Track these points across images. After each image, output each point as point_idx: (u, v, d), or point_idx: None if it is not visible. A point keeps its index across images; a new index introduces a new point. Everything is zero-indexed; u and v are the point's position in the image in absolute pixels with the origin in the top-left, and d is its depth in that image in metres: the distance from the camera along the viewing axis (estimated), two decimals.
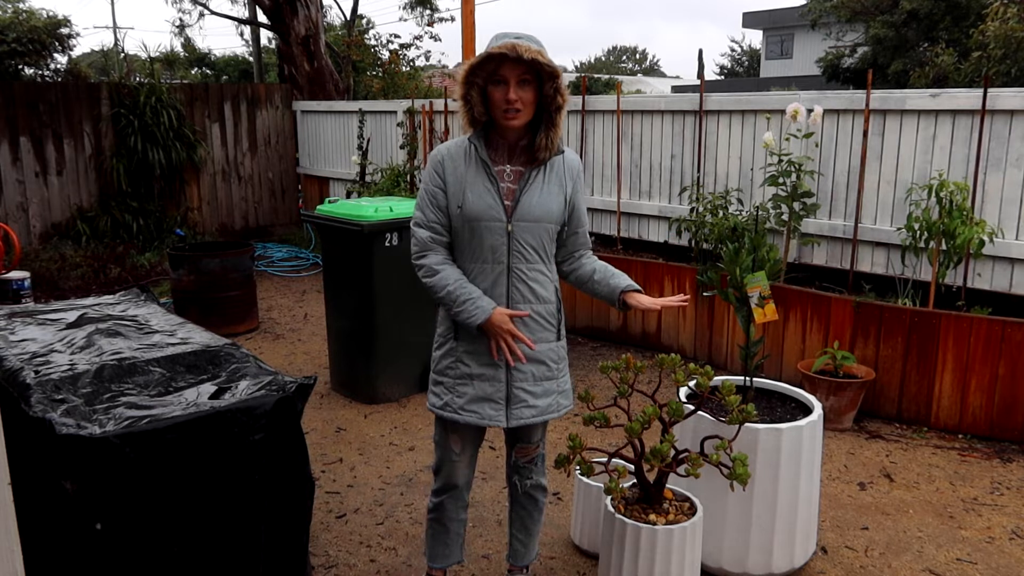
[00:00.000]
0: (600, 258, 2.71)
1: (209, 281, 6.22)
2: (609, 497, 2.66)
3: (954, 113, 4.72)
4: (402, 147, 8.44)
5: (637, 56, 61.02)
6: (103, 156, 8.93)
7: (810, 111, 5.00)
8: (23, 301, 6.05)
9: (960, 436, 4.37)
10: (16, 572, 1.56)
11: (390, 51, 13.97)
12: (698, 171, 5.95)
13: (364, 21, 18.74)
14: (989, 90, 4.55)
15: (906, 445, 4.30)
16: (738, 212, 5.49)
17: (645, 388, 2.84)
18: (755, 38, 46.07)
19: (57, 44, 11.36)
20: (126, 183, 8.95)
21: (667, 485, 2.73)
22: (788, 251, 5.30)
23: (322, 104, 10.13)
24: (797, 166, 5.08)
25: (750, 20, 35.80)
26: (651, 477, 2.69)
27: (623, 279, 2.56)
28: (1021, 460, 4.10)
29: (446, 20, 16.71)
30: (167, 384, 2.59)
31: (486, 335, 2.46)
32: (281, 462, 2.52)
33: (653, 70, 58.64)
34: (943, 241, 4.42)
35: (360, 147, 9.02)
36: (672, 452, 2.56)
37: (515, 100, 2.33)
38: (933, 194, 4.47)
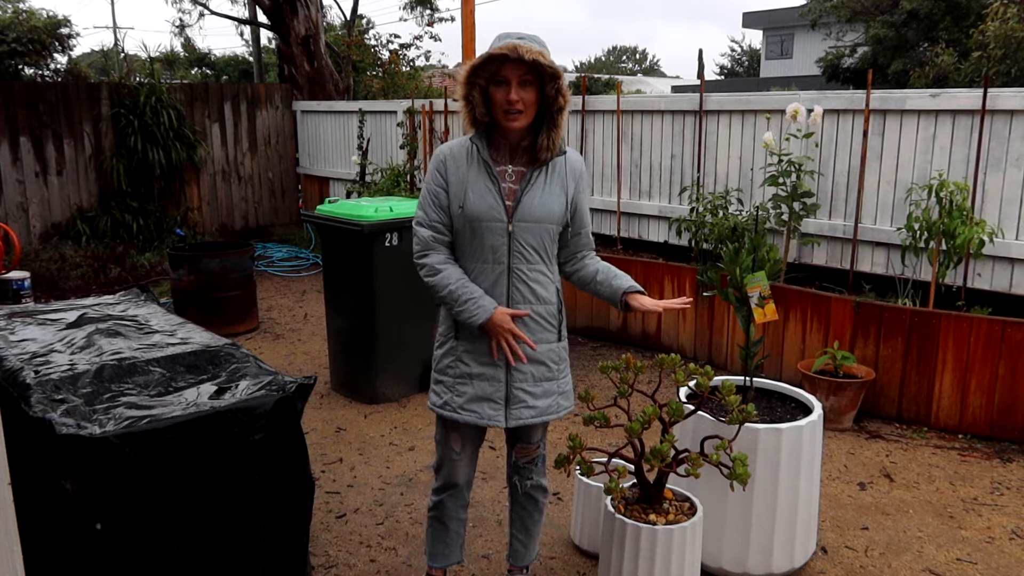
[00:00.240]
0: (600, 258, 2.70)
1: (209, 281, 6.22)
2: (609, 497, 2.66)
3: (954, 113, 4.72)
4: (402, 147, 8.44)
5: (637, 56, 61.02)
6: (103, 156, 8.93)
7: (810, 111, 5.00)
8: (23, 301, 6.05)
9: (960, 436, 4.37)
10: (16, 572, 1.56)
11: (390, 51, 13.98)
12: (698, 171, 5.95)
13: (364, 21, 18.75)
14: (989, 90, 4.55)
15: (906, 445, 4.30)
16: (738, 212, 5.49)
17: (645, 388, 2.84)
18: (755, 38, 46.08)
19: (57, 44, 11.36)
20: (126, 183, 8.95)
21: (667, 485, 2.73)
22: (788, 251, 5.30)
23: (322, 104, 10.13)
24: (797, 166, 5.08)
25: (750, 20, 35.80)
26: (651, 477, 2.69)
27: (625, 280, 2.56)
28: (1021, 460, 4.10)
29: (446, 20, 16.72)
30: (167, 384, 2.59)
31: (487, 335, 2.47)
32: (281, 462, 2.52)
33: (653, 70, 58.65)
34: (943, 241, 4.42)
35: (360, 147, 9.02)
36: (672, 452, 2.56)
37: (516, 101, 2.33)
38: (933, 194, 4.47)
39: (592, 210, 6.65)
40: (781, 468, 2.90)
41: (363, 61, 13.69)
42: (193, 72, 26.23)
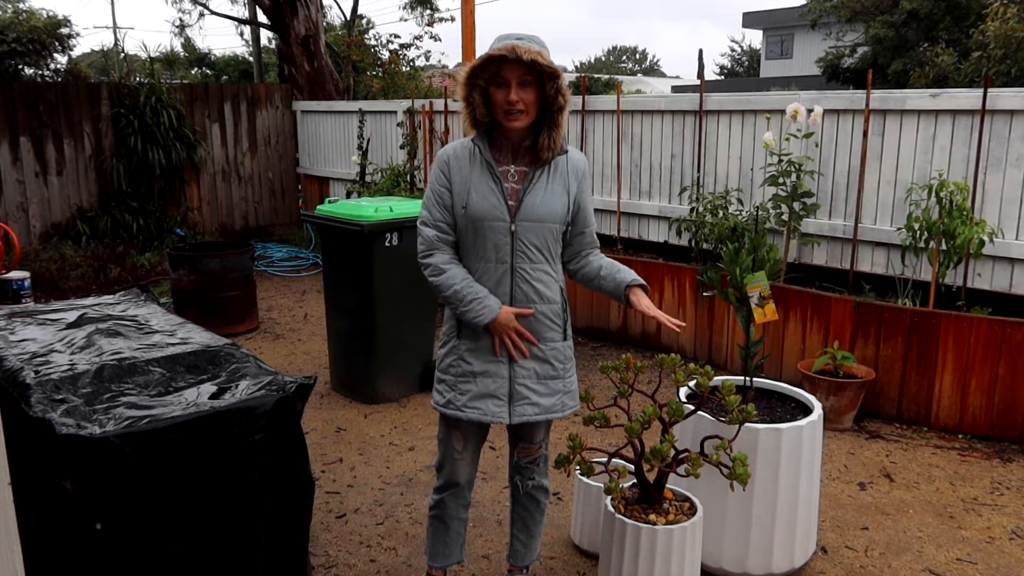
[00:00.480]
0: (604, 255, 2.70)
1: (209, 281, 6.22)
2: (609, 497, 2.66)
3: (954, 113, 4.72)
4: (402, 147, 8.44)
5: (637, 56, 61.02)
6: (103, 156, 8.93)
7: (810, 111, 5.00)
8: (23, 301, 6.05)
9: (960, 436, 4.37)
10: (16, 572, 1.56)
11: (390, 51, 13.98)
12: (698, 171, 5.95)
13: (364, 21, 18.75)
14: (989, 90, 4.55)
15: (906, 445, 4.30)
16: (738, 212, 5.49)
17: (645, 388, 2.84)
18: (755, 38, 46.08)
19: (57, 44, 11.36)
20: (126, 183, 8.95)
21: (667, 485, 2.73)
22: (788, 251, 5.30)
23: (322, 104, 10.13)
24: (797, 166, 5.08)
25: (750, 20, 35.80)
26: (651, 477, 2.69)
27: (629, 274, 2.55)
28: (1021, 460, 4.10)
29: (446, 20, 16.73)
30: (167, 384, 2.59)
31: (491, 334, 2.47)
32: (281, 462, 2.52)
33: (653, 70, 58.64)
34: (943, 241, 4.42)
35: (360, 147, 9.02)
36: (672, 452, 2.56)
37: (516, 101, 2.34)
38: (933, 194, 4.47)
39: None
40: (781, 468, 2.90)
41: (363, 61, 13.69)
42: (193, 72, 26.23)
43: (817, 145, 5.28)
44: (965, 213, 4.36)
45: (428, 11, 17.31)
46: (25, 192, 8.49)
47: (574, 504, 3.31)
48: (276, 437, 2.48)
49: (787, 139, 5.31)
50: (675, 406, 2.58)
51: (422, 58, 14.65)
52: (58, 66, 12.21)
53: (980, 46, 10.71)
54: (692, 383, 2.70)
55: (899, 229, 4.72)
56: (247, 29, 18.97)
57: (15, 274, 6.23)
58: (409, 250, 4.80)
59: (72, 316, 3.22)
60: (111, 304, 3.51)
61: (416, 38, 14.57)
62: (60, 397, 2.37)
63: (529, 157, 2.48)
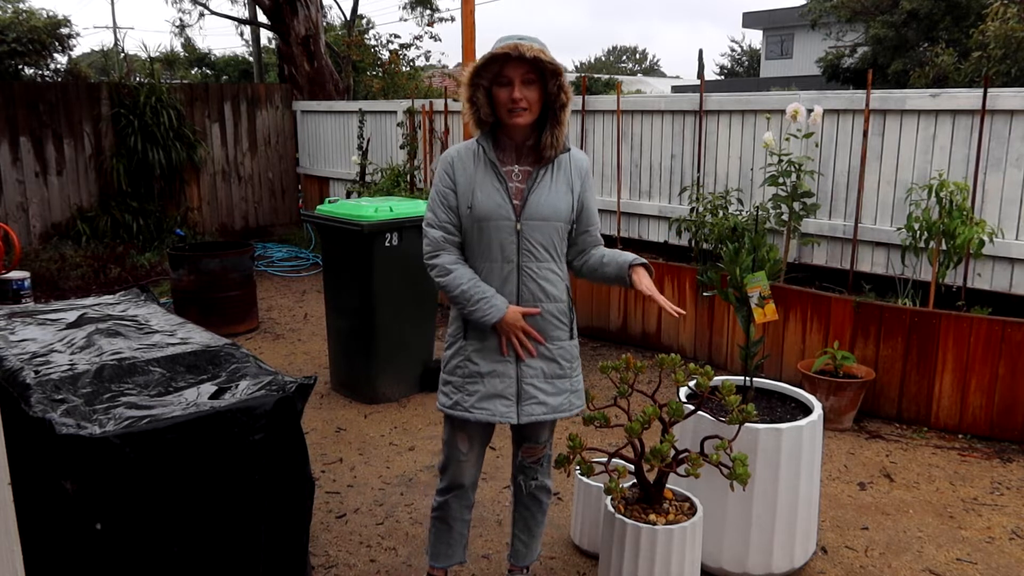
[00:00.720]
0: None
1: (209, 281, 6.22)
2: (609, 497, 2.66)
3: (954, 113, 4.72)
4: (402, 147, 8.44)
5: (637, 56, 61.03)
6: (103, 156, 8.93)
7: (810, 111, 5.00)
8: (23, 301, 6.05)
9: (960, 436, 4.37)
10: (16, 572, 1.56)
11: (390, 51, 13.98)
12: (698, 171, 5.95)
13: (364, 21, 18.74)
14: (989, 90, 4.55)
15: (906, 445, 4.30)
16: (738, 212, 5.49)
17: (645, 388, 2.85)
18: (755, 38, 46.07)
19: (57, 44, 11.35)
20: (126, 183, 8.95)
21: (667, 485, 2.73)
22: (788, 251, 5.30)
23: (322, 104, 10.13)
24: (797, 166, 5.08)
25: (750, 20, 35.80)
26: (651, 477, 2.69)
27: (631, 255, 2.55)
28: (1021, 460, 4.10)
29: (446, 20, 16.73)
30: (167, 384, 2.59)
31: (498, 333, 2.48)
32: (281, 462, 2.52)
33: (653, 70, 58.65)
34: (943, 241, 4.43)
35: (360, 147, 9.03)
36: (672, 452, 2.56)
37: (520, 99, 2.36)
38: (933, 194, 4.47)
39: None
40: (781, 468, 2.90)
41: (363, 61, 13.69)
42: (193, 72, 26.22)
43: (817, 145, 5.28)
44: (965, 213, 4.36)
45: (428, 11, 17.31)
46: (25, 192, 8.49)
47: (574, 504, 3.31)
48: (276, 437, 2.48)
49: (787, 139, 5.31)
50: (675, 406, 2.58)
51: (422, 58, 14.66)
52: (58, 66, 12.22)
53: (980, 46, 10.70)
54: (692, 383, 2.70)
55: (899, 229, 4.72)
56: (247, 29, 18.97)
57: (15, 274, 6.23)
58: (409, 250, 4.81)
59: (72, 316, 3.22)
60: (111, 304, 3.51)
61: (416, 38, 14.58)
62: (60, 397, 2.37)
63: (532, 156, 2.49)
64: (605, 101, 6.56)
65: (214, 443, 2.35)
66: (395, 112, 8.76)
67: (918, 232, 4.48)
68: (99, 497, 2.19)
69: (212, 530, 2.40)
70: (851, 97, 5.15)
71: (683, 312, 2.51)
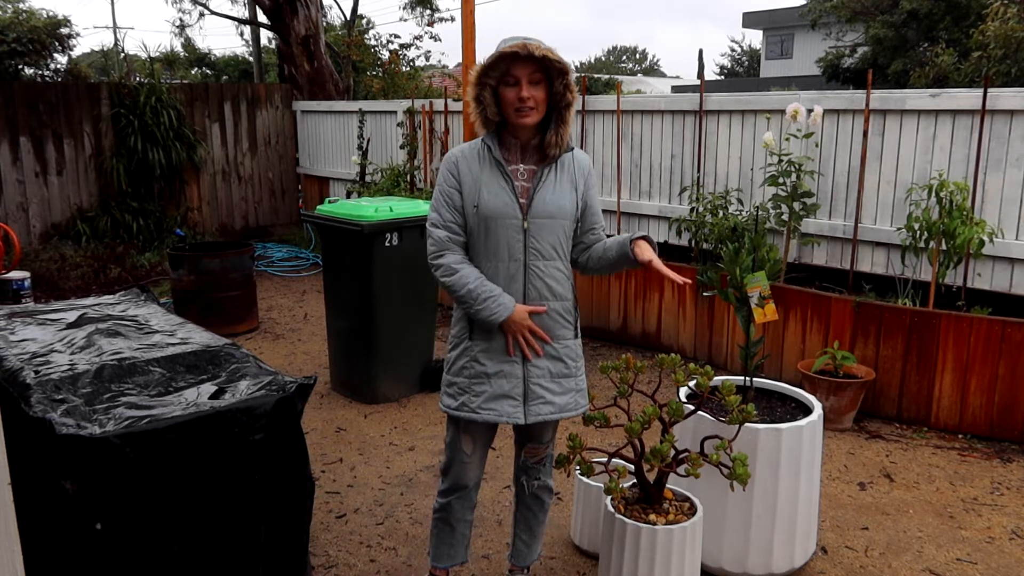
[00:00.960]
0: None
1: (209, 281, 6.22)
2: (609, 497, 2.66)
3: (954, 113, 4.72)
4: (402, 147, 8.44)
5: (637, 56, 61.03)
6: (103, 156, 8.93)
7: (810, 111, 5.00)
8: (23, 301, 6.05)
9: (960, 436, 4.37)
10: (16, 572, 1.56)
11: (390, 51, 13.98)
12: (698, 171, 5.95)
13: (364, 21, 18.73)
14: (989, 90, 4.55)
15: (906, 445, 4.30)
16: (738, 212, 5.49)
17: (645, 388, 2.85)
18: (755, 38, 46.07)
19: (57, 44, 11.34)
20: (126, 183, 8.95)
21: (667, 485, 2.73)
22: (788, 251, 5.30)
23: (322, 104, 10.13)
24: (797, 166, 5.08)
25: (750, 20, 35.79)
26: (651, 477, 2.69)
27: (632, 234, 2.52)
28: (1021, 460, 4.10)
29: (446, 20, 16.71)
30: (167, 384, 2.59)
31: (504, 332, 2.48)
32: (281, 462, 2.52)
33: (653, 70, 58.64)
34: (943, 241, 4.43)
35: (360, 147, 9.02)
36: (672, 452, 2.56)
37: (528, 98, 2.37)
38: (933, 194, 4.47)
39: None
40: (781, 468, 2.90)
41: (363, 61, 13.69)
42: (193, 72, 26.20)
43: (817, 145, 5.28)
44: (965, 213, 4.36)
45: (428, 11, 17.29)
46: (25, 192, 8.49)
47: (574, 504, 3.31)
48: (276, 437, 2.48)
49: (787, 139, 5.31)
50: (675, 406, 2.58)
51: (422, 58, 14.65)
52: (58, 66, 12.20)
53: (980, 46, 10.70)
54: (692, 383, 2.70)
55: (899, 229, 4.72)
56: (247, 29, 18.96)
57: (15, 274, 6.23)
58: (409, 250, 4.81)
59: (72, 316, 3.22)
60: (111, 304, 3.51)
61: (416, 38, 14.57)
62: (60, 397, 2.37)
63: (537, 156, 2.51)
64: (605, 101, 6.56)
65: (214, 443, 2.35)
66: (395, 112, 8.76)
67: (918, 232, 4.48)
68: (99, 497, 2.19)
69: (212, 530, 2.40)
70: (851, 97, 5.15)
71: (688, 281, 2.49)
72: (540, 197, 2.47)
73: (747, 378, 3.18)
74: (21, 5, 13.29)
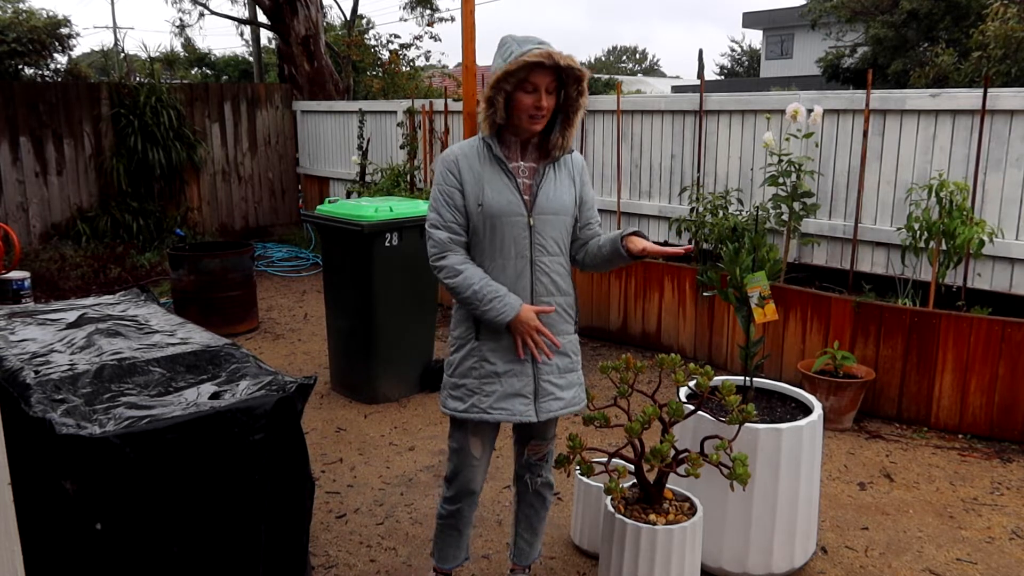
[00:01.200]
0: None
1: (209, 281, 6.22)
2: (609, 497, 2.66)
3: (954, 113, 4.72)
4: (402, 147, 8.44)
5: (637, 56, 61.01)
6: (103, 156, 8.93)
7: (810, 111, 5.00)
8: (23, 301, 6.05)
9: (960, 436, 4.37)
10: (16, 572, 1.56)
11: (390, 51, 13.97)
12: (698, 171, 5.95)
13: (364, 21, 18.73)
14: (989, 90, 4.55)
15: (906, 445, 4.30)
16: (738, 212, 5.49)
17: (645, 388, 2.85)
18: (755, 38, 46.06)
19: (57, 44, 11.33)
20: (126, 183, 8.95)
21: (667, 485, 2.73)
22: (788, 251, 5.30)
23: (322, 104, 10.12)
24: (797, 166, 5.08)
25: (750, 20, 35.79)
26: (651, 477, 2.69)
27: (623, 230, 2.54)
28: (1021, 460, 4.10)
29: (446, 20, 16.70)
30: (167, 384, 2.59)
31: (511, 333, 2.47)
32: (281, 462, 2.52)
33: (653, 70, 58.63)
34: (943, 241, 4.43)
35: (360, 147, 9.02)
36: (672, 452, 2.56)
37: (544, 107, 2.39)
38: (933, 194, 4.47)
39: None
40: (781, 468, 2.90)
41: (363, 61, 13.68)
42: (193, 72, 26.19)
43: (817, 145, 5.28)
44: (965, 213, 4.36)
45: (428, 11, 17.29)
46: (25, 192, 8.49)
47: (574, 504, 3.31)
48: (276, 437, 2.48)
49: (787, 139, 5.31)
50: (675, 406, 2.58)
51: (422, 58, 14.65)
52: (58, 66, 12.19)
53: (980, 46, 10.69)
54: (692, 383, 2.70)
55: (899, 229, 4.72)
56: (247, 29, 18.95)
57: (15, 274, 6.23)
58: (409, 250, 4.81)
59: (72, 316, 3.22)
60: (111, 304, 3.51)
61: (416, 38, 14.57)
62: (60, 397, 2.37)
63: (537, 153, 2.53)
64: (605, 101, 6.56)
65: (214, 443, 2.35)
66: (395, 112, 8.76)
67: (918, 232, 4.48)
68: (99, 497, 2.19)
69: (212, 530, 2.40)
70: (851, 97, 5.15)
71: (689, 248, 2.49)
72: (544, 193, 2.49)
73: (747, 378, 3.18)
74: (21, 5, 13.29)
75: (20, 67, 10.99)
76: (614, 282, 6.03)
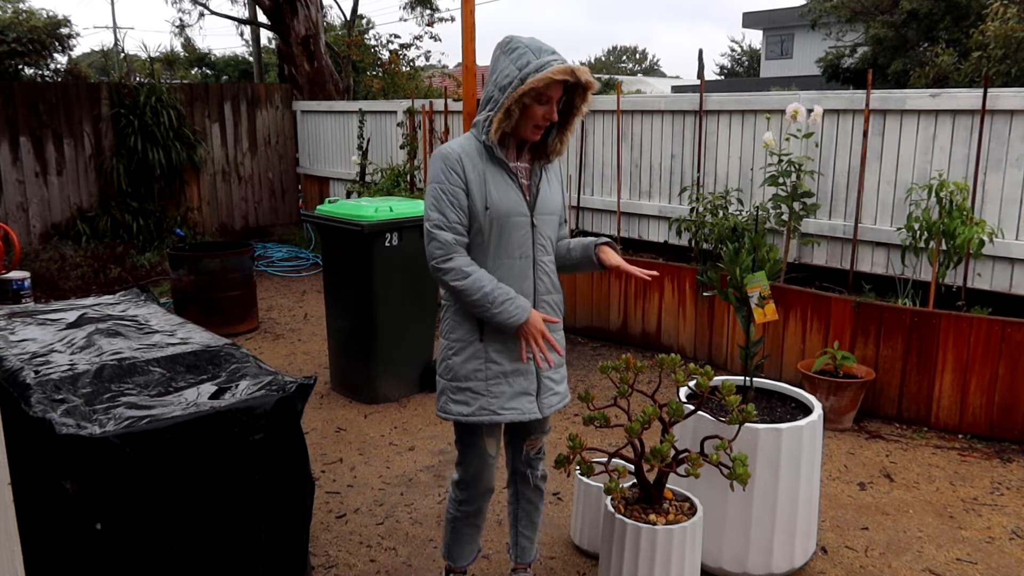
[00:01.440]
0: None
1: (209, 281, 6.22)
2: (609, 497, 2.66)
3: (954, 113, 4.72)
4: (402, 147, 8.44)
5: (637, 56, 61.00)
6: (103, 156, 8.93)
7: (810, 111, 5.00)
8: (23, 301, 6.05)
9: (960, 436, 4.37)
10: (16, 572, 1.56)
11: (390, 51, 13.97)
12: (698, 171, 5.95)
13: (364, 21, 18.73)
14: (989, 90, 4.55)
15: (906, 445, 4.30)
16: (738, 212, 5.49)
17: (645, 388, 2.84)
18: (755, 38, 46.06)
19: (57, 44, 11.34)
20: (126, 183, 8.95)
21: (667, 485, 2.73)
22: (788, 251, 5.30)
23: (322, 104, 10.13)
24: (797, 166, 5.08)
25: (750, 20, 35.79)
26: (651, 477, 2.69)
27: (594, 238, 2.64)
28: (1021, 460, 4.10)
29: (446, 20, 16.71)
30: (167, 384, 2.59)
31: (518, 335, 2.47)
32: (281, 462, 2.52)
33: (653, 70, 58.63)
34: (943, 241, 4.43)
35: (360, 147, 9.02)
36: (672, 452, 2.56)
37: (554, 118, 2.44)
38: (933, 194, 4.47)
39: (592, 210, 6.69)
40: (781, 468, 2.90)
41: (363, 61, 13.68)
42: (193, 72, 26.19)
43: (817, 145, 5.28)
44: (965, 213, 4.36)
45: (428, 11, 17.29)
46: (25, 192, 8.49)
47: (574, 504, 3.31)
48: (276, 437, 2.48)
49: (787, 139, 5.31)
50: (675, 406, 2.58)
51: (422, 58, 14.64)
52: (58, 66, 12.19)
53: (980, 46, 10.69)
54: (692, 383, 2.70)
55: (899, 229, 4.72)
56: (247, 29, 18.95)
57: (15, 274, 6.23)
58: (409, 250, 4.81)
59: (72, 316, 3.22)
60: (111, 304, 3.51)
61: (416, 38, 14.57)
62: (60, 397, 2.37)
63: (530, 155, 2.55)
64: (605, 101, 6.56)
65: (214, 443, 2.35)
66: (395, 112, 8.76)
67: (918, 232, 4.48)
68: (99, 497, 2.19)
69: (212, 530, 2.40)
70: (851, 97, 5.15)
71: (655, 274, 2.59)
72: (543, 193, 2.53)
73: (747, 378, 3.18)
74: (21, 5, 13.29)
75: (20, 67, 10.99)
76: (614, 282, 6.03)
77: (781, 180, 5.12)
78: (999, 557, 3.24)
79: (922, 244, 4.51)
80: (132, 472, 2.21)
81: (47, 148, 8.61)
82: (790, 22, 32.06)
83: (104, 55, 28.69)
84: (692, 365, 2.70)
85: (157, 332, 3.05)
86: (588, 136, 6.68)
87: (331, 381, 5.22)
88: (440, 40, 23.69)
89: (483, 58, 2.45)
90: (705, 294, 5.44)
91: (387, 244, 4.74)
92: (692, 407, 2.68)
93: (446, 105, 7.88)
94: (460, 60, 5.57)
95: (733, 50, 43.89)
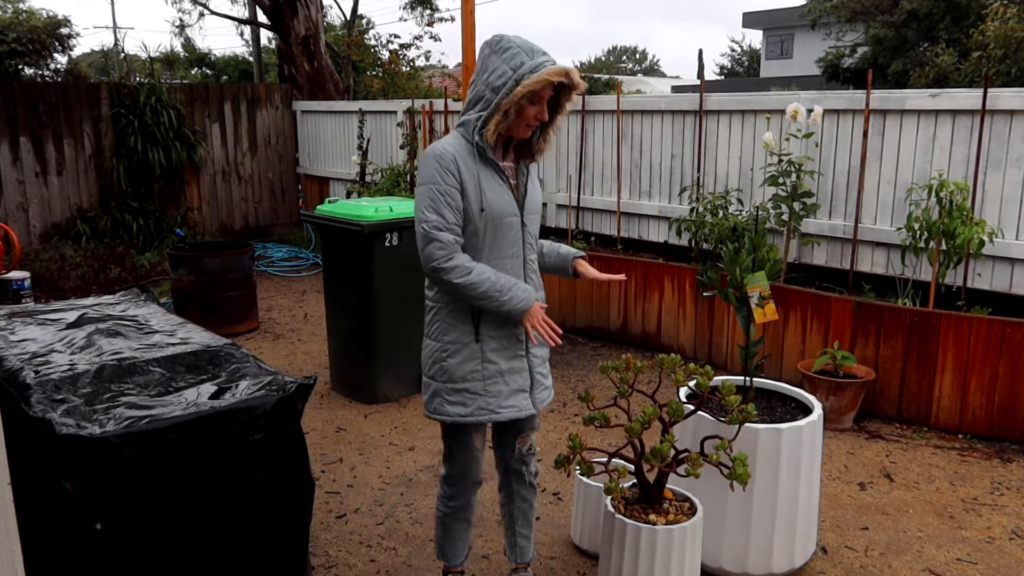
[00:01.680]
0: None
1: (209, 281, 6.22)
2: (609, 497, 2.66)
3: (954, 113, 4.72)
4: (402, 147, 8.45)
5: (637, 56, 61.00)
6: (103, 156, 8.93)
7: (810, 111, 5.00)
8: (23, 301, 6.05)
9: (960, 436, 4.37)
10: (16, 572, 1.56)
11: (390, 51, 13.97)
12: (698, 171, 5.95)
13: (364, 21, 18.72)
14: (989, 90, 4.55)
15: (906, 445, 4.30)
16: (738, 212, 5.49)
17: (645, 388, 2.85)
18: (755, 38, 46.06)
19: (57, 44, 11.34)
20: (126, 183, 8.95)
21: (667, 485, 2.73)
22: (788, 251, 5.30)
23: (322, 104, 10.13)
24: (797, 166, 5.08)
25: (750, 20, 35.79)
26: (651, 477, 2.69)
27: (570, 249, 2.75)
28: (1021, 460, 4.10)
29: (446, 20, 16.72)
30: (167, 384, 2.59)
31: (520, 324, 2.49)
32: (281, 462, 2.52)
33: (653, 70, 58.63)
34: (943, 241, 4.43)
35: (360, 147, 9.03)
36: (672, 452, 2.56)
37: (545, 118, 2.46)
38: (933, 194, 4.47)
39: (592, 210, 6.68)
40: (781, 468, 2.90)
41: (363, 61, 13.69)
42: (193, 72, 26.19)
43: (817, 145, 5.28)
44: (965, 213, 4.36)
45: (428, 11, 17.29)
46: (25, 192, 8.49)
47: (574, 504, 3.31)
48: (276, 437, 2.48)
49: (787, 139, 5.31)
50: (675, 406, 2.58)
51: (422, 58, 14.65)
52: (58, 66, 12.19)
53: (980, 46, 10.69)
54: (692, 383, 2.70)
55: (899, 229, 4.72)
56: (247, 29, 18.94)
57: (15, 274, 6.23)
58: (409, 250, 4.81)
59: (72, 316, 3.22)
60: (111, 304, 3.51)
61: (416, 38, 14.59)
62: (60, 397, 2.37)
63: (514, 154, 2.58)
64: (605, 101, 6.56)
65: (214, 443, 2.35)
66: (395, 112, 8.76)
67: (918, 232, 4.48)
68: (99, 497, 2.19)
69: (212, 530, 2.40)
70: (851, 97, 5.15)
71: (624, 277, 2.75)
72: (530, 193, 2.57)
73: (747, 378, 3.18)
74: (21, 5, 13.30)
75: (20, 67, 10.99)
76: (614, 282, 6.03)
77: (781, 180, 5.12)
78: (999, 557, 3.24)
79: (922, 244, 4.51)
80: (132, 472, 2.21)
81: (47, 148, 8.61)
82: (790, 22, 32.07)
83: (104, 55, 28.69)
84: (692, 365, 2.70)
85: (157, 332, 3.05)
86: (588, 136, 6.68)
87: (331, 381, 5.22)
88: (440, 40, 23.73)
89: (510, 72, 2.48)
90: (705, 294, 5.44)
91: (387, 244, 4.74)
92: (692, 407, 2.68)
93: (446, 105, 7.88)
94: (460, 60, 5.58)
95: (733, 50, 43.90)
